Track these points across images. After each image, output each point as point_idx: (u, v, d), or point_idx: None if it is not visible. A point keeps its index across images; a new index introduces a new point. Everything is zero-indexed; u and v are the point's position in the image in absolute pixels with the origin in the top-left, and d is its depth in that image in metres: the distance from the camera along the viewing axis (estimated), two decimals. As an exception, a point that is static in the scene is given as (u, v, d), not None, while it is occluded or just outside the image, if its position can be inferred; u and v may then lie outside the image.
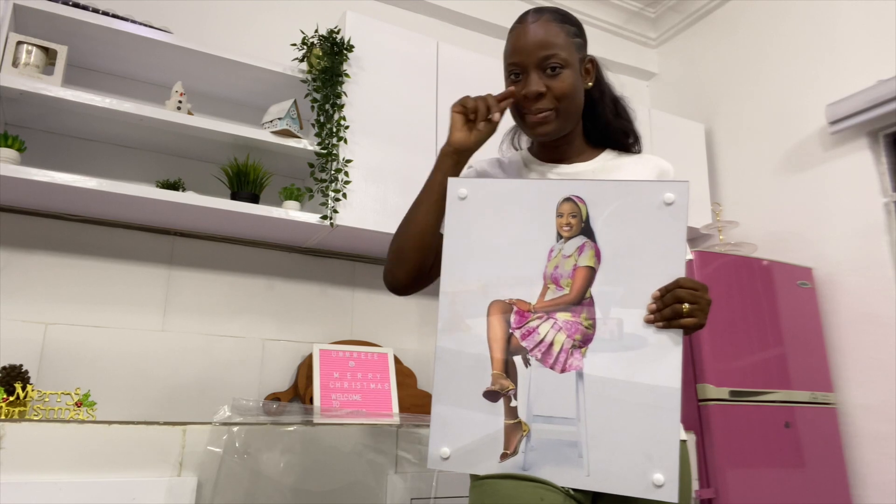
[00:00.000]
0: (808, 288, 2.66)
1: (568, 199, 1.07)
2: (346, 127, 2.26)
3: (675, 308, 0.99)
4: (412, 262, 1.19)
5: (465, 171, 1.27)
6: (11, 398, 1.70)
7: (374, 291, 2.62)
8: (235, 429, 1.56)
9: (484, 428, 1.02)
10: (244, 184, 2.20)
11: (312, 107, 2.26)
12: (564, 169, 1.25)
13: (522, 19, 1.21)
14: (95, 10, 2.06)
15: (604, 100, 1.27)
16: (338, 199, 2.21)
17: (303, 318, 2.47)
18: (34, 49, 1.93)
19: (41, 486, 1.35)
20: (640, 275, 1.02)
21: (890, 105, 2.44)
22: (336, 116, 2.25)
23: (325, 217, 2.18)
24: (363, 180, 2.28)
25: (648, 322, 1.00)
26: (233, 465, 1.53)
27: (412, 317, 2.68)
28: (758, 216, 3.00)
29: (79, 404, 1.77)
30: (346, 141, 2.25)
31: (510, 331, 1.05)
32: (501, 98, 1.18)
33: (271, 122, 2.24)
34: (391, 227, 2.23)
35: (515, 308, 1.05)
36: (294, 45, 2.33)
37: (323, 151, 2.21)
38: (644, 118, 2.96)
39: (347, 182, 2.23)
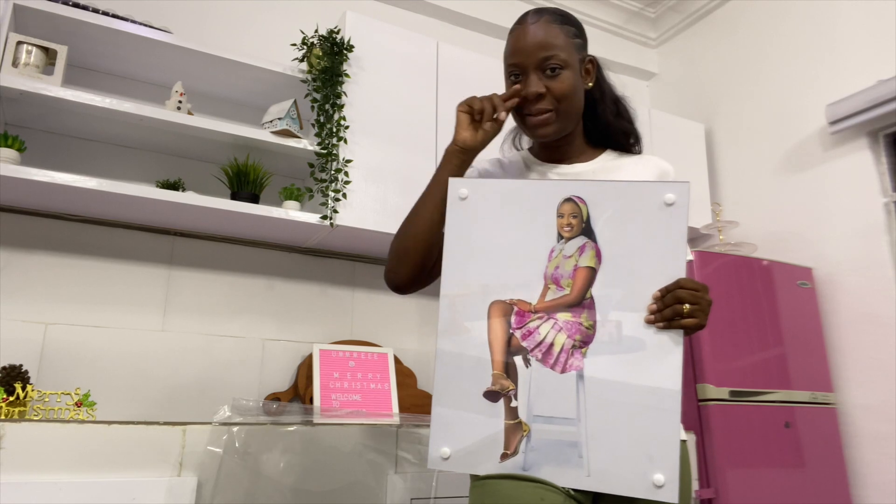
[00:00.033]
0: (808, 288, 2.66)
1: (569, 200, 1.07)
2: (346, 127, 2.26)
3: (675, 308, 0.99)
4: (415, 261, 1.19)
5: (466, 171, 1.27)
6: (11, 398, 1.70)
7: (374, 291, 2.62)
8: (235, 429, 1.56)
9: (484, 428, 1.02)
10: (244, 184, 2.20)
11: (312, 107, 2.26)
12: (565, 169, 1.25)
13: (522, 20, 1.21)
14: (95, 10, 2.06)
15: (604, 100, 1.27)
16: (338, 199, 2.21)
17: (303, 318, 2.46)
18: (34, 49, 1.93)
19: (41, 486, 1.35)
20: (641, 275, 1.02)
21: (890, 105, 2.44)
22: (336, 116, 2.25)
23: (325, 217, 2.18)
24: (363, 180, 2.28)
25: (649, 322, 1.00)
26: (233, 465, 1.53)
27: (412, 317, 2.68)
28: (758, 216, 3.00)
29: (79, 404, 1.77)
30: (346, 141, 2.25)
31: (510, 331, 1.05)
32: (507, 98, 1.18)
33: (271, 122, 2.24)
34: (391, 227, 2.26)
35: (516, 308, 1.05)
36: (294, 45, 2.33)
37: (323, 151, 2.21)
38: (644, 118, 2.96)
39: (347, 182, 2.23)
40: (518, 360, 1.04)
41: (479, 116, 1.18)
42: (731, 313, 2.45)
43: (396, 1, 3.01)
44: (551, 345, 1.03)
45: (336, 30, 2.34)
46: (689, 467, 1.09)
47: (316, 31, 2.33)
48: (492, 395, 1.03)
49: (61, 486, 1.36)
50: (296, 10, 2.70)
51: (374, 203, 2.28)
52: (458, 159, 1.19)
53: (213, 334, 2.29)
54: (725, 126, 3.26)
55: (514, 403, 1.02)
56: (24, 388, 1.72)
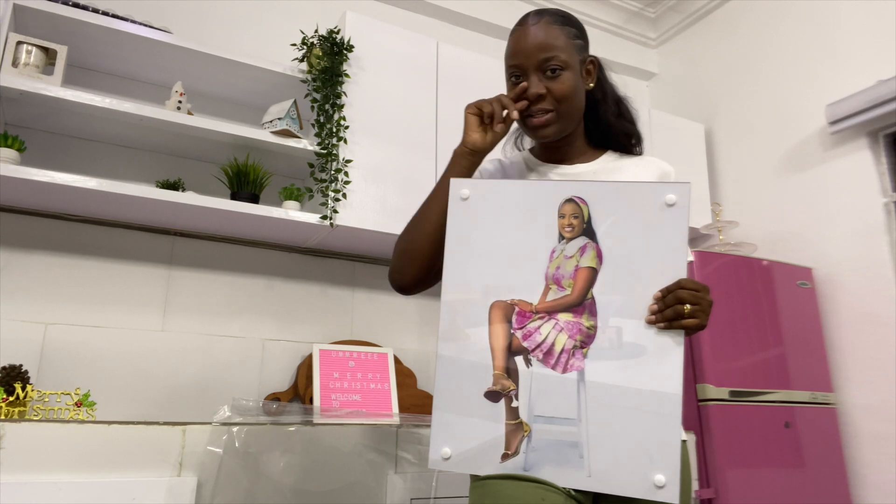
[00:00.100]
0: (808, 288, 2.66)
1: (570, 200, 1.07)
2: (346, 127, 2.26)
3: (676, 309, 0.99)
4: (422, 262, 1.19)
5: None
6: (11, 398, 1.69)
7: (374, 291, 2.62)
8: (235, 429, 1.56)
9: (485, 428, 1.02)
10: (244, 184, 2.20)
11: (312, 107, 2.26)
12: (566, 170, 1.25)
13: (523, 21, 1.22)
14: (95, 10, 2.06)
15: (606, 100, 1.27)
16: (338, 199, 2.21)
17: (303, 318, 2.46)
18: (34, 49, 1.93)
19: (41, 486, 1.35)
20: (642, 276, 1.02)
21: (890, 105, 2.44)
22: (336, 116, 2.25)
23: (324, 217, 2.18)
24: (363, 180, 2.28)
25: (650, 323, 1.01)
26: (233, 465, 1.53)
27: (412, 317, 2.68)
28: (758, 216, 3.01)
29: (79, 404, 1.77)
30: (346, 141, 2.25)
31: (511, 331, 1.05)
32: (515, 97, 1.18)
33: (271, 122, 2.24)
34: (391, 227, 2.27)
35: (517, 308, 1.05)
36: (294, 45, 2.33)
37: (323, 151, 2.21)
38: (644, 118, 2.94)
39: (347, 182, 2.23)
40: (519, 360, 1.04)
41: (488, 119, 1.18)
42: (731, 313, 2.45)
43: (396, 1, 3.01)
44: (552, 345, 1.03)
45: (336, 30, 2.33)
46: (688, 467, 1.10)
47: (316, 31, 2.33)
48: (493, 396, 1.03)
49: (61, 486, 1.36)
50: (296, 10, 2.70)
51: (374, 203, 2.28)
52: (467, 161, 1.19)
53: (213, 334, 2.29)
54: (725, 126, 3.26)
55: (514, 404, 1.02)
56: (24, 388, 1.72)
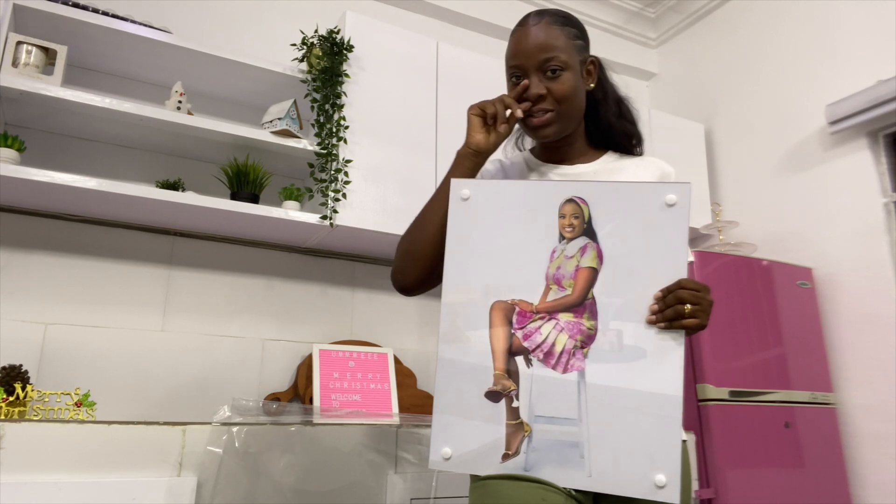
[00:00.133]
0: (808, 288, 2.66)
1: (570, 201, 1.07)
2: (346, 127, 2.26)
3: (676, 309, 0.99)
4: (424, 263, 1.19)
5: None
6: (11, 398, 1.69)
7: (374, 291, 2.62)
8: (235, 429, 1.56)
9: (486, 428, 1.02)
10: (244, 184, 2.20)
11: (312, 107, 2.26)
12: (566, 170, 1.25)
13: (523, 22, 1.22)
14: (95, 10, 2.06)
15: (607, 101, 1.27)
16: (338, 199, 2.21)
17: (303, 318, 2.46)
18: (34, 49, 1.93)
19: (41, 486, 1.35)
20: (642, 276, 1.02)
21: (890, 105, 2.44)
22: (336, 116, 2.25)
23: (324, 217, 2.18)
24: (363, 180, 2.28)
25: (650, 323, 1.01)
26: (233, 465, 1.53)
27: (412, 317, 2.68)
28: (758, 216, 3.01)
29: (79, 404, 1.77)
30: (345, 141, 2.25)
31: (512, 331, 1.05)
32: (516, 96, 1.18)
33: (271, 122, 2.24)
34: (391, 227, 2.27)
35: (517, 308, 1.05)
36: (294, 45, 2.33)
37: (323, 151, 2.21)
38: (644, 118, 2.95)
39: (347, 182, 2.23)
40: (519, 360, 1.04)
41: (491, 120, 1.18)
42: (731, 313, 2.45)
43: (396, 1, 3.01)
44: (553, 345, 1.03)
45: (336, 30, 2.33)
46: (689, 467, 1.10)
47: (316, 31, 2.33)
48: (493, 396, 1.03)
49: (61, 486, 1.36)
50: (296, 10, 2.69)
51: (373, 203, 2.28)
52: (470, 162, 1.19)
53: (212, 334, 2.29)
54: (725, 126, 3.26)
55: (515, 404, 1.02)
56: (23, 388, 1.72)
